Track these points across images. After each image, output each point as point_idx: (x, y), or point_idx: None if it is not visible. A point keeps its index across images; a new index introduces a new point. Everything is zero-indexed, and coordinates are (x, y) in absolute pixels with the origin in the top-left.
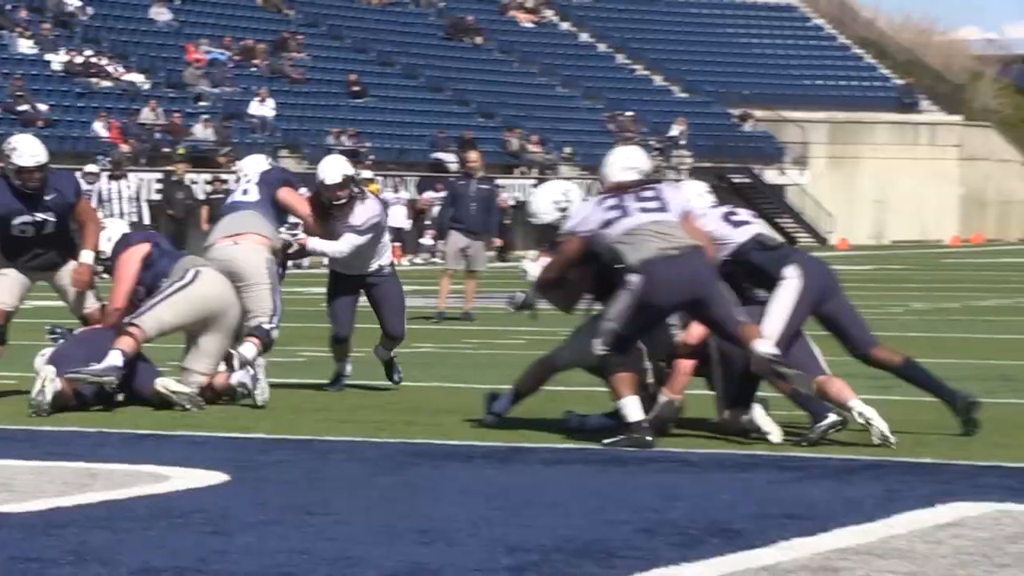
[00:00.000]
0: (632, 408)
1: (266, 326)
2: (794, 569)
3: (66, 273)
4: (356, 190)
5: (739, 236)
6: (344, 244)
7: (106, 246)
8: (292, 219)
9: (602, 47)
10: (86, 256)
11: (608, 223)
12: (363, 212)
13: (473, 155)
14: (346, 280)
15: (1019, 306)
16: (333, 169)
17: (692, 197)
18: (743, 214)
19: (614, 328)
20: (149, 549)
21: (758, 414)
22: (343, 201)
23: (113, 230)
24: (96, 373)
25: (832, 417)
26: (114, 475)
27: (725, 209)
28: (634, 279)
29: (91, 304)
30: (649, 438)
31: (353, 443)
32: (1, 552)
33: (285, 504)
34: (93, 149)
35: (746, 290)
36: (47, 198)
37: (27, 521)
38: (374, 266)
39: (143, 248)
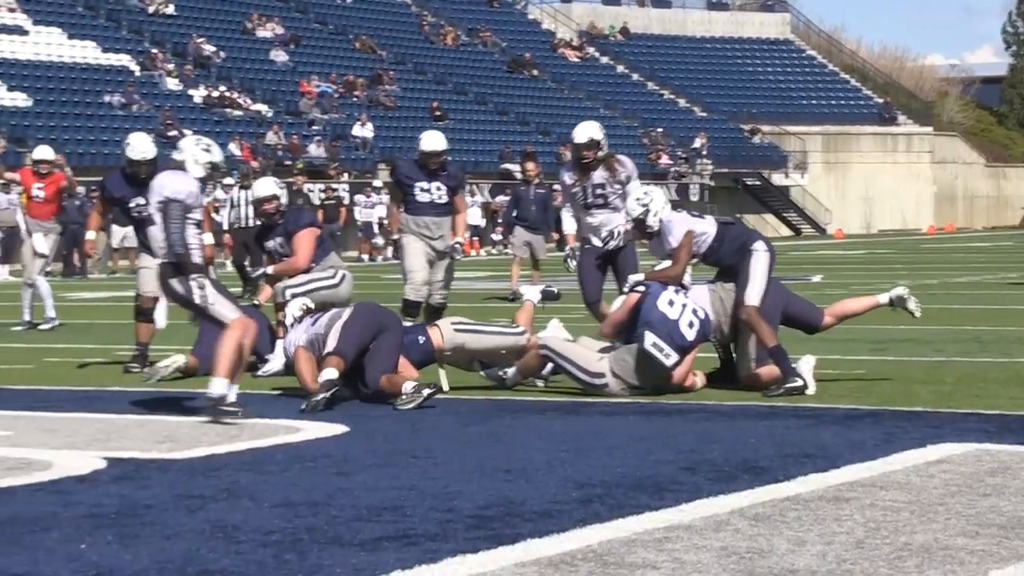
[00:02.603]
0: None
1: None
2: (812, 499)
3: None
4: (601, 154)
5: (711, 225)
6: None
7: (275, 189)
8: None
9: (635, 76)
10: (207, 238)
11: None
12: (623, 167)
13: (531, 165)
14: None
15: (986, 282)
16: (582, 131)
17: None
18: (694, 211)
19: None
20: (287, 487)
21: (805, 366)
22: (589, 160)
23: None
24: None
25: (798, 381)
26: (257, 428)
27: (685, 211)
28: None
29: None
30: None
31: (448, 400)
32: (170, 491)
33: (394, 450)
34: (229, 166)
35: (727, 265)
36: None
37: (189, 465)
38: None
39: (317, 231)
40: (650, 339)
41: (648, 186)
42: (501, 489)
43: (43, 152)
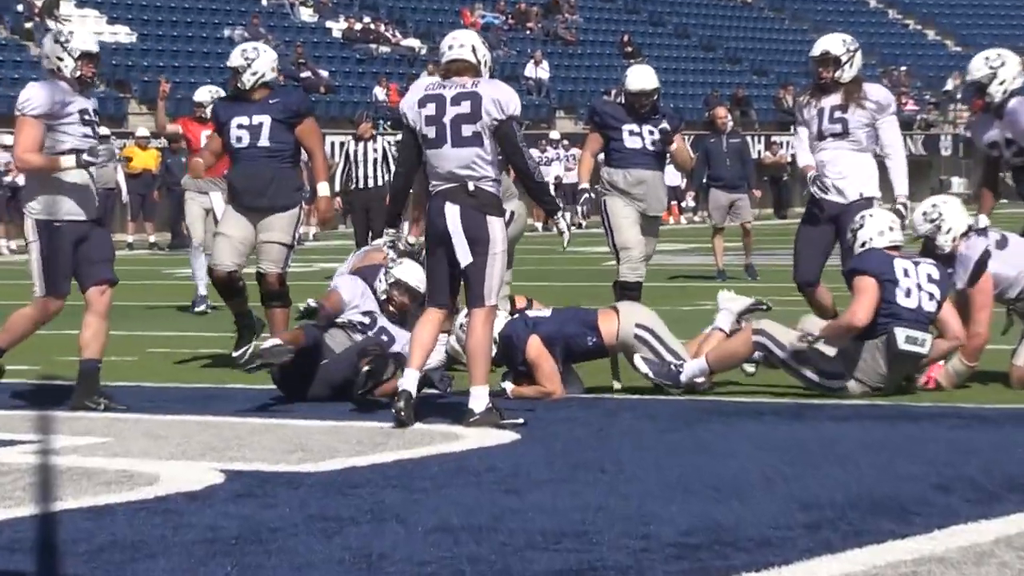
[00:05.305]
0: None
1: None
2: None
3: (268, 225)
4: (843, 76)
5: (1020, 258)
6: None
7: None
8: None
9: (873, 2)
10: (323, 188)
11: None
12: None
13: (721, 111)
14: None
15: None
16: (820, 43)
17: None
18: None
19: None
20: (445, 507)
21: None
22: (825, 80)
23: None
24: None
25: None
26: (407, 434)
27: (993, 233)
28: None
29: (274, 266)
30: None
31: (641, 400)
32: (301, 511)
33: (576, 462)
34: (376, 113)
35: None
36: (270, 102)
37: (324, 480)
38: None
39: None
40: (902, 335)
41: (942, 196)
42: (709, 511)
43: (205, 94)
